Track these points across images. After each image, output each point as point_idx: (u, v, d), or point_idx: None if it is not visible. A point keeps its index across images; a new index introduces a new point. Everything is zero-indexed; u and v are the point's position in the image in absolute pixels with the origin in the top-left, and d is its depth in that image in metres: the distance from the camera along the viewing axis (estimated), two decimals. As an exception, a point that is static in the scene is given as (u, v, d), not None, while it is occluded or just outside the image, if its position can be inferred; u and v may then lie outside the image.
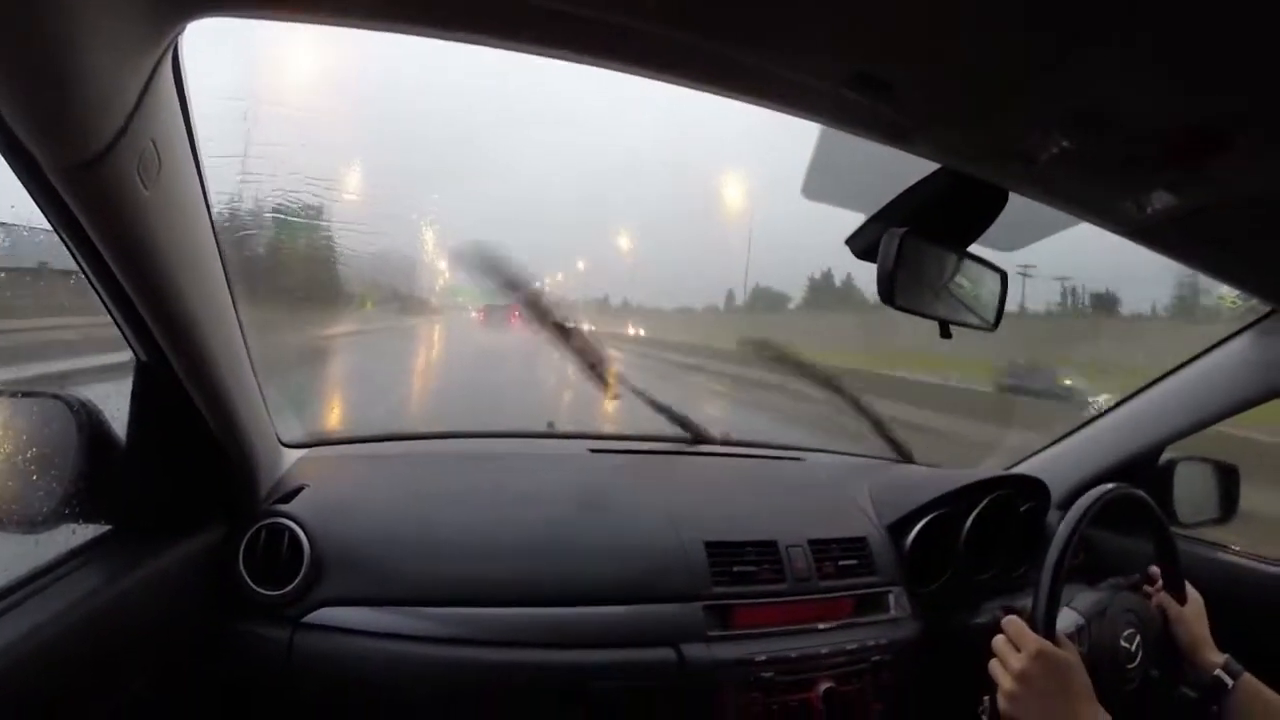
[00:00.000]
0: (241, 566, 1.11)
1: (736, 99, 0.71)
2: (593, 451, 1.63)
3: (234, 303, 0.99)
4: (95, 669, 0.84)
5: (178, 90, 0.73)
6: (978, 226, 0.90)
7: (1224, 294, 1.33)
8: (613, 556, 1.25)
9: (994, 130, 0.73)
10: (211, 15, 0.61)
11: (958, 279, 0.91)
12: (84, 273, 0.77)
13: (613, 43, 0.63)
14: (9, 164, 0.62)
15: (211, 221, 0.88)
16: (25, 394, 0.90)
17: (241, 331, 1.03)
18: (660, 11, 0.58)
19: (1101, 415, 1.61)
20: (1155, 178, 0.78)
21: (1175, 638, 1.06)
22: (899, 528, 1.44)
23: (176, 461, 1.00)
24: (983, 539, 1.43)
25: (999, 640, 0.97)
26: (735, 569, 1.27)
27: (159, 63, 0.64)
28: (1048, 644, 0.92)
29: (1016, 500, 1.51)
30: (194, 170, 0.81)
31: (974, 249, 0.92)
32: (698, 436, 1.78)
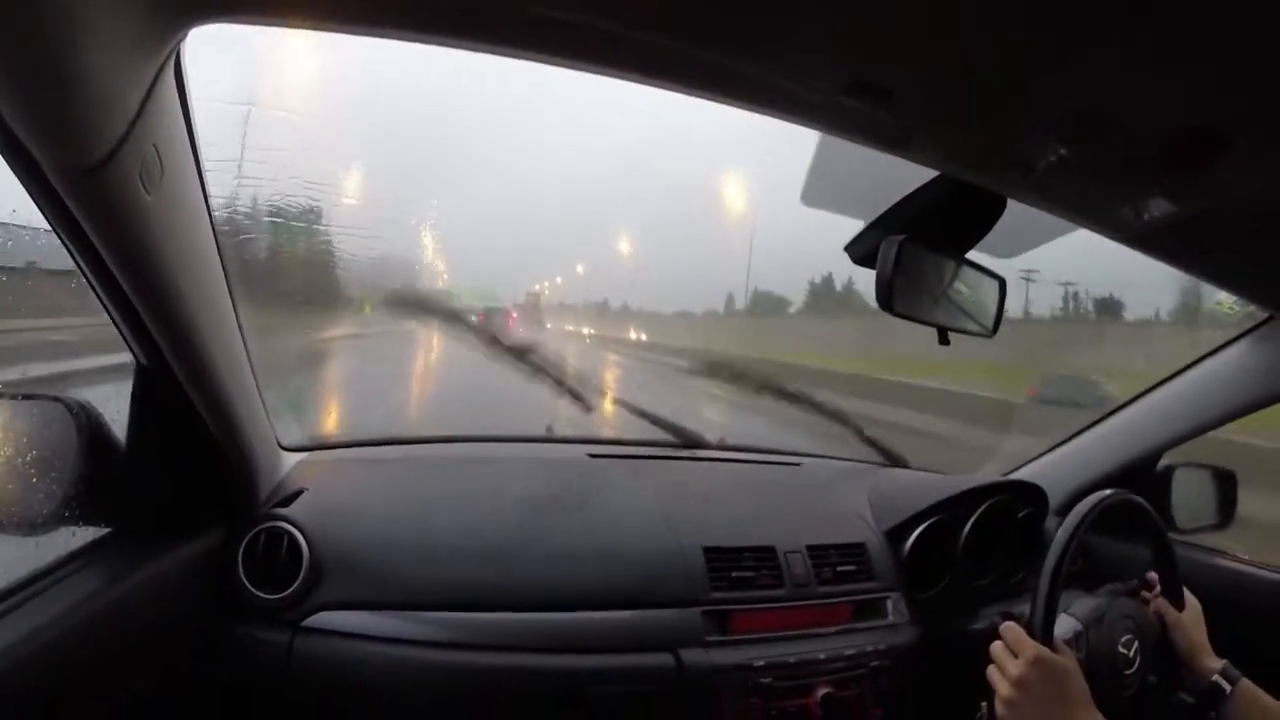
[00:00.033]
0: (241, 570, 1.11)
1: (734, 106, 0.72)
2: (591, 456, 1.63)
3: (234, 307, 0.99)
4: (94, 671, 0.84)
5: (180, 96, 0.73)
6: (976, 233, 0.90)
7: (1222, 300, 1.33)
8: (611, 561, 1.25)
9: (993, 135, 0.73)
10: (213, 22, 0.62)
11: (956, 285, 0.91)
12: (84, 275, 0.77)
13: (610, 50, 0.64)
14: (12, 168, 0.62)
15: (213, 226, 0.89)
16: (26, 396, 0.90)
17: (242, 335, 1.03)
18: (657, 19, 0.58)
19: (1100, 421, 1.61)
20: (1153, 184, 0.78)
21: (1173, 644, 1.06)
22: (897, 533, 1.44)
23: (176, 464, 1.01)
24: (981, 545, 1.43)
25: (997, 646, 0.97)
26: (734, 574, 1.27)
27: (161, 69, 0.65)
28: (1046, 650, 0.92)
29: (1015, 506, 1.51)
30: (196, 175, 0.82)
31: (972, 255, 0.92)
32: (696, 442, 1.78)
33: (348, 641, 1.10)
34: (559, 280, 13.69)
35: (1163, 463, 1.52)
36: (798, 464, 1.81)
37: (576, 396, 1.78)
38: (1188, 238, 0.89)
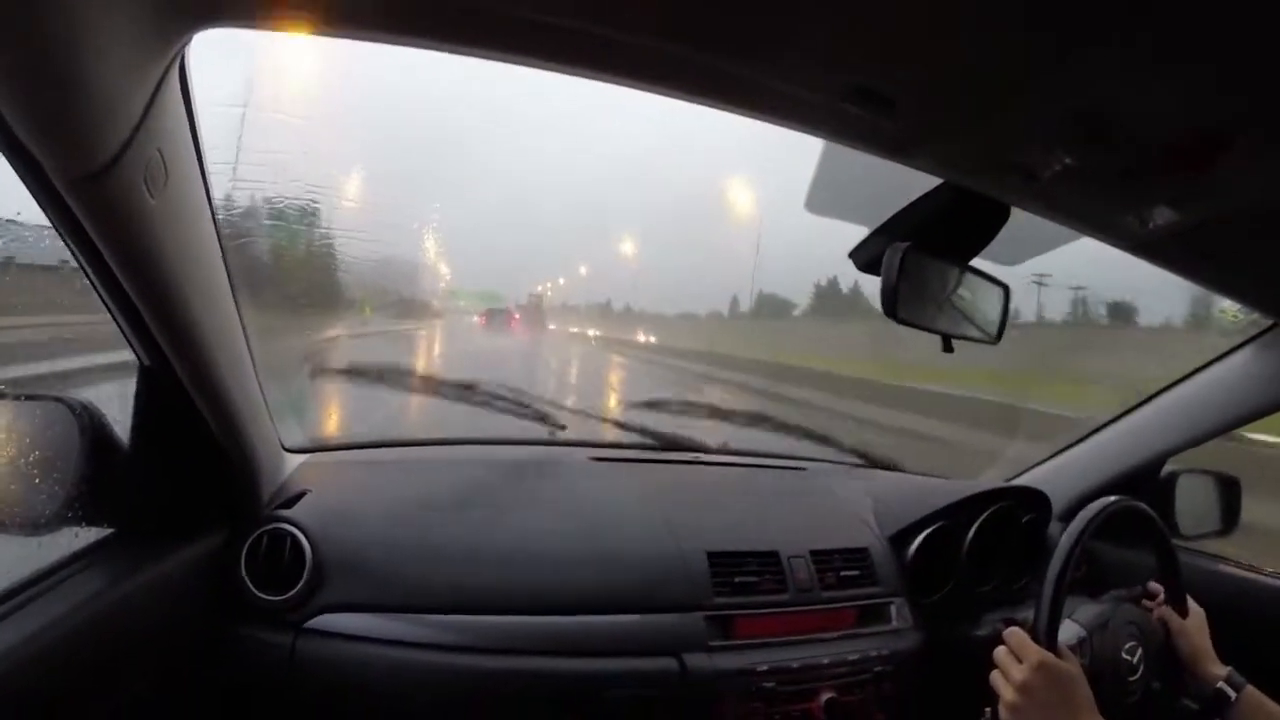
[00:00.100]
0: (243, 571, 1.11)
1: (735, 112, 0.72)
2: (594, 460, 1.63)
3: (238, 309, 1.00)
4: (97, 672, 0.84)
5: (184, 100, 0.74)
6: (980, 241, 0.90)
7: (1226, 308, 1.33)
8: (614, 565, 1.25)
9: (995, 141, 0.73)
10: (217, 27, 0.62)
11: (960, 292, 0.91)
12: (88, 277, 0.77)
13: (610, 55, 0.64)
14: (16, 172, 0.62)
15: (216, 229, 0.89)
16: (28, 397, 0.90)
17: (245, 337, 1.03)
18: (657, 24, 0.58)
19: (1103, 427, 1.60)
20: (1156, 191, 0.78)
21: (1177, 650, 1.06)
22: (901, 539, 1.44)
23: (179, 465, 1.01)
24: (984, 550, 1.43)
25: (1001, 652, 0.96)
26: (737, 579, 1.27)
27: (166, 73, 0.65)
28: (1050, 656, 0.92)
29: (1018, 512, 1.51)
30: (200, 179, 0.82)
31: (976, 263, 0.92)
32: (698, 445, 1.78)
33: (350, 644, 1.10)
34: (562, 281, 13.71)
35: (1166, 469, 1.52)
36: (801, 468, 1.80)
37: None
38: (1190, 245, 0.89)
